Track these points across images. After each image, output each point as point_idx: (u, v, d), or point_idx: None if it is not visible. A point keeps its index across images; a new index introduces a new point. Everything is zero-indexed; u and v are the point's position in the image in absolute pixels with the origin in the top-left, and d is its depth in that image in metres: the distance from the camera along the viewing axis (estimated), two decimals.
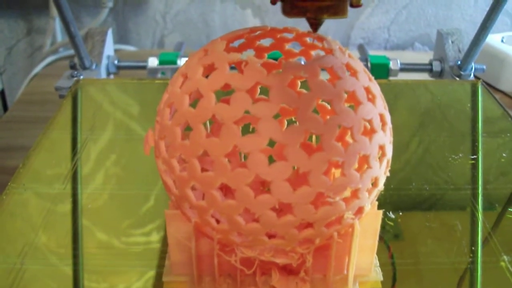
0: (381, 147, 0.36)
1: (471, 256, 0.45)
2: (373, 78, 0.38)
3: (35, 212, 0.50)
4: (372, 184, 0.36)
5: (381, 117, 0.36)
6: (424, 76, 0.85)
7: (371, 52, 0.88)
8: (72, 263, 0.45)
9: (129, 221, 0.50)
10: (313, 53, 0.40)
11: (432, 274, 0.44)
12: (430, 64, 0.83)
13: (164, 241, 0.45)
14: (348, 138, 0.41)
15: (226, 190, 0.43)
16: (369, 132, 0.35)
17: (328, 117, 0.37)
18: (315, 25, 0.36)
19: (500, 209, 0.52)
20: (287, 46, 0.42)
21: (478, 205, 0.52)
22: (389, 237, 0.48)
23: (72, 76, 0.72)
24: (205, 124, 0.34)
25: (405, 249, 0.47)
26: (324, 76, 0.34)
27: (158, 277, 0.42)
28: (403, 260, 0.45)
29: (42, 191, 0.52)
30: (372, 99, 0.36)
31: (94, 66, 0.77)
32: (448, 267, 0.45)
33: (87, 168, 0.56)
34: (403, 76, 0.83)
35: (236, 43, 0.39)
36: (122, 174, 0.57)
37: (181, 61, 0.83)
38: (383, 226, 0.48)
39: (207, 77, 0.35)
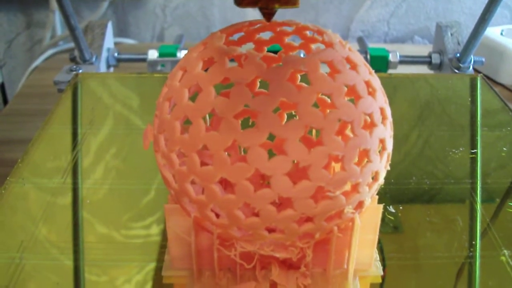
0: (382, 141, 0.35)
1: (471, 250, 0.45)
2: (373, 71, 0.37)
3: (35, 205, 0.50)
4: (372, 178, 0.36)
5: (382, 111, 0.36)
6: (423, 69, 0.85)
7: (371, 45, 0.88)
8: (73, 256, 0.45)
9: (129, 214, 0.50)
10: (313, 46, 0.40)
11: (431, 266, 0.44)
12: (429, 56, 0.83)
13: (164, 234, 0.45)
14: (348, 132, 0.41)
15: (225, 184, 0.43)
16: (370, 126, 0.35)
17: (328, 111, 0.37)
18: (268, 14, 0.36)
19: (499, 201, 0.52)
20: (287, 40, 0.42)
21: (477, 197, 0.52)
22: (388, 230, 0.48)
23: (71, 70, 0.72)
24: (204, 117, 0.34)
25: (404, 242, 0.47)
26: (324, 69, 0.34)
27: (158, 270, 0.42)
28: (402, 252, 0.45)
29: (42, 184, 0.52)
30: (372, 93, 0.35)
31: (94, 59, 0.77)
32: (447, 260, 0.45)
33: (87, 161, 0.56)
34: (403, 69, 0.83)
35: (235, 37, 0.39)
36: (122, 167, 0.57)
37: (181, 54, 0.83)
38: (382, 219, 0.48)
39: (206, 70, 0.35)
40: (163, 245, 0.45)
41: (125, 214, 0.50)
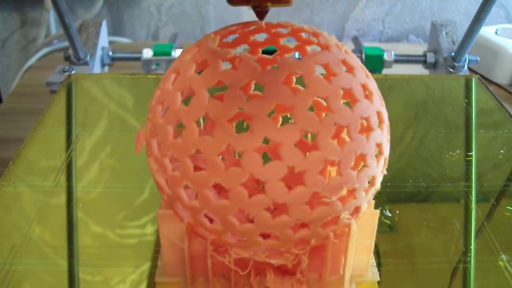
0: (378, 145, 0.35)
1: (467, 255, 0.45)
2: (370, 74, 0.37)
3: (29, 205, 0.49)
4: (369, 183, 0.35)
5: (378, 114, 0.35)
6: (418, 68, 0.85)
7: (366, 44, 0.88)
8: (67, 256, 0.44)
9: (123, 213, 0.50)
10: (308, 48, 0.40)
11: (426, 265, 0.44)
12: (424, 55, 0.83)
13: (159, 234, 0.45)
14: (344, 136, 0.41)
15: (219, 189, 0.42)
16: (366, 130, 0.34)
17: (324, 115, 0.36)
18: (261, 13, 0.35)
19: (495, 203, 0.51)
20: (282, 41, 0.41)
21: (472, 196, 0.52)
22: (383, 229, 0.48)
23: (64, 71, 0.72)
24: (198, 121, 0.33)
25: (399, 241, 0.47)
26: (319, 70, 0.33)
27: (153, 269, 0.42)
28: (397, 253, 0.45)
29: (36, 184, 0.52)
30: (369, 96, 0.35)
31: (88, 58, 0.77)
32: (442, 259, 0.45)
33: (81, 160, 0.56)
34: (398, 68, 0.84)
35: (229, 38, 0.39)
36: (117, 166, 0.56)
37: (176, 53, 0.83)
38: (378, 218, 0.48)
39: (200, 73, 0.34)
40: (158, 245, 0.44)
41: (119, 214, 0.50)
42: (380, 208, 0.43)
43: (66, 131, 0.60)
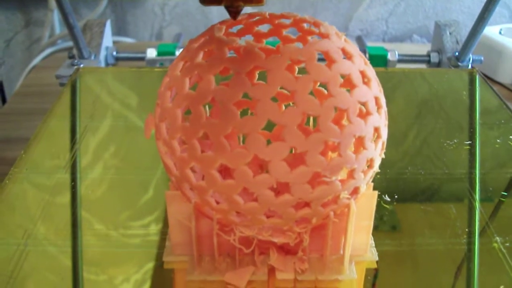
0: (376, 129, 0.36)
1: (468, 245, 0.46)
2: (368, 62, 0.38)
3: (34, 203, 0.50)
4: (367, 166, 0.37)
5: (376, 100, 0.37)
6: (422, 68, 0.85)
7: (369, 44, 0.88)
8: (71, 255, 0.45)
9: (128, 212, 0.50)
10: (310, 38, 0.41)
11: (429, 264, 0.45)
12: (428, 55, 0.84)
13: (163, 234, 0.46)
14: (344, 122, 0.42)
15: (225, 173, 0.43)
16: (365, 115, 0.36)
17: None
18: (233, 13, 0.36)
19: (497, 200, 0.52)
20: (285, 32, 0.42)
21: (476, 195, 0.52)
22: (386, 228, 0.48)
23: (73, 65, 0.73)
24: (204, 107, 0.34)
25: (403, 240, 0.47)
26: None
27: (157, 269, 0.43)
28: (401, 250, 0.46)
29: (41, 181, 0.52)
30: (367, 83, 0.36)
31: (92, 57, 0.78)
32: (446, 258, 0.45)
33: (86, 158, 0.56)
34: (401, 68, 0.83)
35: (234, 29, 0.40)
36: (121, 164, 0.57)
37: (179, 52, 0.83)
38: (381, 217, 0.48)
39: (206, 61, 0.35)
40: (161, 244, 0.45)
41: (123, 213, 0.50)
42: (382, 203, 0.44)
43: (71, 128, 0.61)
